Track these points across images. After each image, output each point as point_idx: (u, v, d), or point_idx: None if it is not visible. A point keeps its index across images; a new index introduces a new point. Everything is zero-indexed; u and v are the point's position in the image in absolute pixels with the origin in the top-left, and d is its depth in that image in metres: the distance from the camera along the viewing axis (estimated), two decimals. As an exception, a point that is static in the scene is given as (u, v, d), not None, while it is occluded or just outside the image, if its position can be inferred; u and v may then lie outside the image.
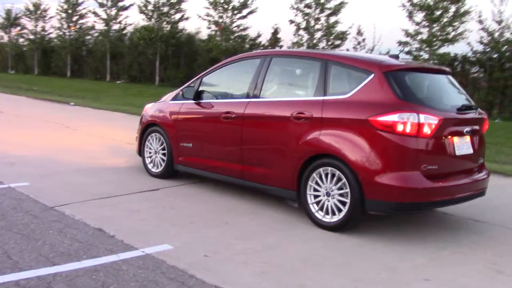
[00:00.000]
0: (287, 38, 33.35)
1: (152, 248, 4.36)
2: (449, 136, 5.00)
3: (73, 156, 8.11)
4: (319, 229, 5.13)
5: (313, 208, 5.25)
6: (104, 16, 30.59)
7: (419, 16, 19.11)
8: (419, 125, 4.73)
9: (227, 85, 6.64)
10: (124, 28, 31.07)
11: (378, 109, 4.83)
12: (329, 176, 5.11)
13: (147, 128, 7.22)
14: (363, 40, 22.18)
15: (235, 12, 24.98)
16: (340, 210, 5.04)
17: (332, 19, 21.80)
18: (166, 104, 7.01)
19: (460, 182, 5.11)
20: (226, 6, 24.77)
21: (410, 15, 19.25)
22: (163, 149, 6.94)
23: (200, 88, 6.55)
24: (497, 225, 5.66)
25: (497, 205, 6.45)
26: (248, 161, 5.84)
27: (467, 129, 5.18)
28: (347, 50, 19.38)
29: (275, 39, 24.95)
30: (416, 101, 4.90)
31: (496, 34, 19.15)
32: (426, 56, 19.04)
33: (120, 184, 6.60)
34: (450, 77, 5.69)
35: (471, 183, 5.22)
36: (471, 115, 5.36)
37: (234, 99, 6.15)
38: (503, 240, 5.22)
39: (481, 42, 19.42)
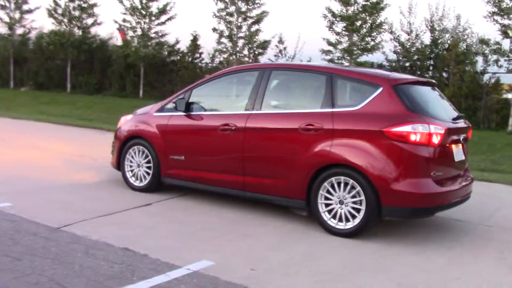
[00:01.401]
0: (207, 45, 33.20)
1: (194, 265, 4.31)
2: (450, 144, 5.43)
3: (39, 172, 7.66)
4: (336, 237, 5.32)
5: (325, 216, 5.44)
6: (6, 19, 28.68)
7: (340, 26, 20.03)
8: (430, 135, 5.10)
9: (221, 98, 6.66)
10: (29, 32, 29.34)
11: (391, 120, 5.14)
12: (342, 185, 5.33)
13: (127, 141, 7.02)
14: (284, 48, 22.84)
15: (153, 18, 24.59)
16: (354, 217, 5.28)
17: (255, 27, 22.18)
18: (150, 117, 6.88)
19: (457, 186, 5.55)
20: (144, 12, 24.30)
21: (331, 25, 20.11)
22: (148, 162, 6.80)
23: (190, 100, 6.50)
24: (478, 224, 6.19)
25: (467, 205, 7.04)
26: (251, 173, 5.91)
27: (461, 137, 5.65)
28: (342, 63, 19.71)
29: (194, 46, 24.88)
30: (423, 112, 5.28)
31: (407, 44, 20.55)
32: (347, 64, 20.01)
33: (108, 200, 6.37)
34: (437, 88, 6.16)
35: (463, 187, 5.69)
36: (461, 124, 5.85)
37: (233, 112, 6.18)
38: (492, 236, 5.73)
39: (394, 52, 20.77)
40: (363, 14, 19.50)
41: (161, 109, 6.83)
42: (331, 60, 20.35)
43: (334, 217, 5.40)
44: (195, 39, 24.98)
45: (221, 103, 6.61)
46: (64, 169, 8.03)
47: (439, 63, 19.27)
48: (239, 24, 22.29)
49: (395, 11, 35.74)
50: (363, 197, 5.20)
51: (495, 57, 17.53)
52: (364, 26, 19.66)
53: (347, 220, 5.32)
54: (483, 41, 17.55)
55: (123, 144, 7.05)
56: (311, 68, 6.07)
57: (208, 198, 6.61)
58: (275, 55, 22.85)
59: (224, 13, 22.48)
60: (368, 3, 19.47)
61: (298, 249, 4.93)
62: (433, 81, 6.30)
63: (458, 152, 5.61)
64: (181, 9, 45.29)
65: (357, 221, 5.26)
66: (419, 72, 20.04)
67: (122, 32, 28.18)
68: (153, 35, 24.98)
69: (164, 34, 25.13)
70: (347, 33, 19.97)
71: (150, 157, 6.77)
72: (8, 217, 5.38)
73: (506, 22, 16.94)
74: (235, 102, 6.42)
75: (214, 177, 6.22)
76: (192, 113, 6.45)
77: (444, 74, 19.56)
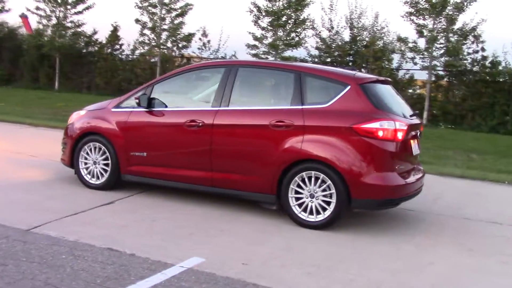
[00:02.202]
0: (128, 36, 32.05)
1: (186, 262, 4.34)
2: (409, 140, 5.82)
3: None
4: (309, 230, 5.53)
5: (296, 209, 5.64)
6: None
7: (266, 21, 20.32)
8: (395, 131, 5.45)
9: (185, 94, 6.64)
10: None
11: (360, 117, 5.43)
12: (312, 179, 5.55)
13: (81, 138, 6.81)
14: (208, 42, 22.81)
15: (69, 7, 23.55)
16: (324, 210, 5.52)
17: (180, 20, 21.89)
18: (107, 112, 6.71)
19: (415, 179, 5.96)
20: (59, 0, 23.19)
21: (257, 20, 20.37)
22: (106, 159, 6.64)
23: (152, 96, 6.43)
24: (429, 213, 6.68)
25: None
26: (219, 169, 5.97)
27: (417, 132, 6.07)
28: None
29: (114, 37, 24.15)
30: (387, 109, 5.62)
31: (329, 40, 21.30)
32: (272, 59, 20.39)
33: (67, 198, 6.17)
34: (392, 86, 6.54)
35: (419, 179, 6.11)
36: (416, 120, 6.26)
37: (199, 108, 6.20)
38: (443, 224, 6.22)
39: (316, 48, 21.44)
40: (288, 10, 19.92)
41: (119, 105, 6.69)
42: (256, 55, 20.64)
43: (304, 210, 5.60)
44: (115, 30, 24.29)
45: (186, 99, 6.59)
46: (8, 167, 7.62)
47: (359, 59, 20.16)
48: (162, 16, 21.93)
49: (317, 8, 36.60)
50: (333, 191, 5.45)
51: (411, 54, 18.63)
52: (289, 21, 20.09)
53: (318, 213, 5.55)
54: (401, 40, 18.60)
55: (77, 141, 6.82)
56: (278, 66, 6.23)
57: (169, 195, 6.57)
58: (198, 48, 22.80)
59: (146, 4, 22.03)
60: (293, -1, 19.96)
61: (277, 243, 5.08)
62: (389, 79, 6.69)
63: (415, 147, 6.02)
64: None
65: (327, 213, 5.50)
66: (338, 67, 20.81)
67: (25, 19, 26.76)
68: (69, 25, 23.96)
69: (81, 23, 24.18)
70: (272, 28, 20.31)
71: (108, 154, 6.61)
72: (-31, 220, 5.08)
73: (421, 22, 18.07)
74: (200, 98, 6.43)
75: (180, 173, 6.21)
76: (154, 109, 6.38)
77: (363, 70, 20.49)
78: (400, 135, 5.50)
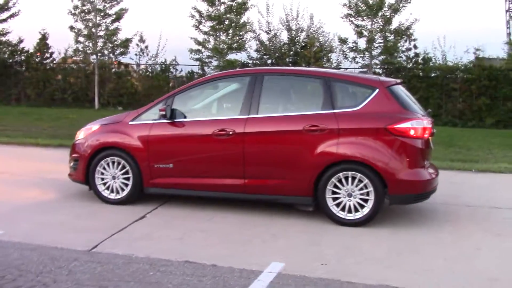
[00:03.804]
0: (58, 44, 30.45)
1: (270, 267, 4.47)
2: (429, 137, 6.26)
3: (2, 195, 6.90)
4: (352, 227, 5.81)
5: (334, 209, 5.91)
6: None
7: (208, 25, 20.37)
8: (423, 129, 5.87)
9: (208, 104, 6.68)
10: None
11: (392, 118, 5.79)
12: (349, 179, 5.85)
13: (97, 153, 6.66)
14: (146, 47, 22.48)
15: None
16: (362, 207, 5.83)
17: (116, 25, 21.39)
18: (125, 126, 6.61)
19: (434, 173, 6.40)
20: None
21: (198, 25, 20.37)
22: (126, 173, 6.55)
23: (174, 107, 6.43)
24: (441, 204, 7.19)
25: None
26: (252, 175, 6.11)
27: (433, 130, 6.53)
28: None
29: (43, 45, 23.08)
30: (413, 109, 6.03)
31: (268, 43, 21.76)
32: (216, 63, 20.51)
33: (97, 216, 6.07)
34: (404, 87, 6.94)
35: (437, 174, 6.54)
36: (430, 118, 6.72)
37: (227, 117, 6.29)
38: (458, 214, 6.74)
39: (256, 50, 21.83)
40: (230, 14, 20.10)
41: (137, 118, 6.62)
42: (199, 59, 20.63)
43: (342, 209, 5.88)
44: (43, 38, 23.24)
45: (210, 109, 6.64)
46: (6, 189, 7.27)
47: (300, 60, 20.77)
48: (98, 22, 21.33)
49: (255, 12, 37.02)
50: (371, 189, 5.77)
51: (352, 54, 19.53)
52: (232, 25, 20.28)
53: (356, 210, 5.85)
54: (342, 40, 19.41)
55: (92, 157, 6.67)
56: (304, 72, 6.47)
57: (190, 204, 6.56)
58: (136, 54, 22.43)
59: (79, 10, 21.33)
60: (234, 3, 20.15)
61: (331, 242, 5.32)
62: (403, 80, 7.12)
63: (432, 143, 6.48)
64: (26, 5, 40.86)
65: (366, 210, 5.82)
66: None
67: None
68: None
69: (5, 32, 22.93)
70: (214, 32, 20.39)
71: (128, 167, 6.52)
72: (18, 246, 4.87)
73: (360, 23, 18.98)
74: (225, 107, 6.52)
75: (211, 182, 6.27)
76: (178, 120, 6.38)
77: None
78: (427, 133, 5.93)
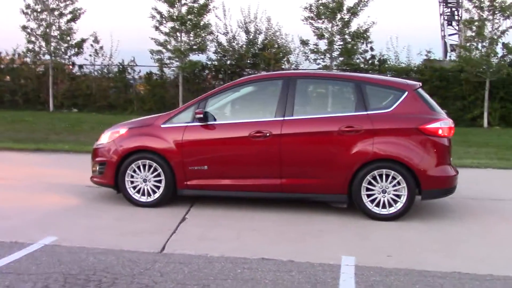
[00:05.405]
0: (5, 44, 28.87)
1: (345, 259, 4.75)
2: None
3: (8, 201, 6.69)
4: (387, 221, 6.19)
5: (369, 205, 6.27)
6: None
7: (169, 26, 20.25)
8: (450, 129, 6.35)
9: (242, 106, 6.84)
10: None
11: (423, 118, 6.23)
12: (383, 176, 6.23)
13: (127, 157, 6.67)
14: (101, 48, 22.02)
15: None
16: (396, 202, 6.23)
17: (71, 25, 20.77)
18: (157, 129, 6.67)
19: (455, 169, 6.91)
20: None
21: (159, 25, 20.21)
22: (157, 176, 6.61)
23: (207, 110, 6.56)
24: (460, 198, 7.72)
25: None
26: (289, 175, 6.35)
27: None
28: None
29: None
30: (438, 110, 6.50)
31: (226, 45, 21.94)
32: (177, 63, 20.42)
33: (140, 218, 6.14)
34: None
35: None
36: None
37: (263, 119, 6.49)
38: (473, 207, 7.29)
39: (215, 52, 21.96)
40: (191, 15, 20.09)
41: (169, 121, 6.69)
42: (160, 60, 20.49)
43: (377, 205, 6.25)
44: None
45: (245, 111, 6.81)
46: (20, 195, 7.12)
47: (261, 62, 21.09)
48: (52, 21, 20.66)
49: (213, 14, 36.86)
50: (404, 185, 6.18)
51: (313, 56, 20.07)
52: (194, 27, 20.28)
53: (390, 206, 6.24)
54: (303, 42, 19.93)
55: (122, 160, 6.67)
56: (336, 76, 6.78)
57: (222, 204, 6.74)
58: (90, 55, 21.94)
59: (31, 10, 20.58)
60: (195, 4, 20.16)
61: (379, 235, 5.67)
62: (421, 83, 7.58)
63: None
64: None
65: (399, 205, 6.21)
66: (238, 70, 21.61)
67: None
68: None
69: None
70: (174, 33, 20.30)
71: (160, 170, 6.59)
72: (85, 251, 4.88)
73: (320, 25, 19.57)
74: (260, 110, 6.70)
75: (247, 182, 6.45)
76: (213, 122, 6.52)
77: (264, 72, 21.52)
78: (452, 132, 6.41)
